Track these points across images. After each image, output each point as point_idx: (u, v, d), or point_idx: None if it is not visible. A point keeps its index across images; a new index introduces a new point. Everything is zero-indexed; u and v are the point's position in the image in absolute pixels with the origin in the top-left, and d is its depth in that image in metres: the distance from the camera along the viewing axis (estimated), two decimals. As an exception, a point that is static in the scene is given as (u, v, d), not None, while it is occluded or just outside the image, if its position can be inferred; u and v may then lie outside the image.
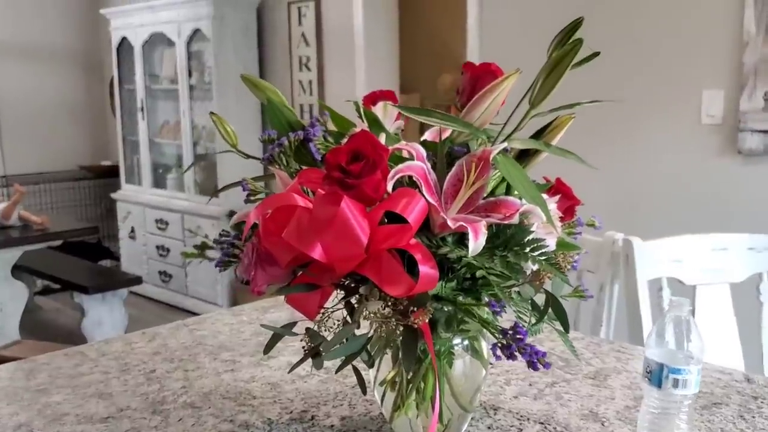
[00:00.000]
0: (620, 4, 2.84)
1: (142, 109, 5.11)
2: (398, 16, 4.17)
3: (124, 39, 5.14)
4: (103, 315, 3.61)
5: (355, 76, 4.02)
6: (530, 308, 0.82)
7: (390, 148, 0.76)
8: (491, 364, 1.14)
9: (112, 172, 5.76)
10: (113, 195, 5.47)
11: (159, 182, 5.16)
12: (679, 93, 2.77)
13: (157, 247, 5.05)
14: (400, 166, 0.75)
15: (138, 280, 3.74)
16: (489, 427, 0.91)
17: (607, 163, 2.91)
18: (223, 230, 0.86)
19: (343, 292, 0.82)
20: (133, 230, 5.27)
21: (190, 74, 4.72)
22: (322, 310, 0.81)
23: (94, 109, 6.06)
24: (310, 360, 0.84)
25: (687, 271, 1.54)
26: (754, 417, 1.04)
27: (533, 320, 0.81)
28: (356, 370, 0.84)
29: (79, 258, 4.29)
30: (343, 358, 0.80)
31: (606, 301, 1.57)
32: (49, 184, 5.75)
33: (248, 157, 0.97)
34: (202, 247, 4.46)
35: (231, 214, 4.50)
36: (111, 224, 5.70)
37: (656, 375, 0.88)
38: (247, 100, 4.54)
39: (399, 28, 4.20)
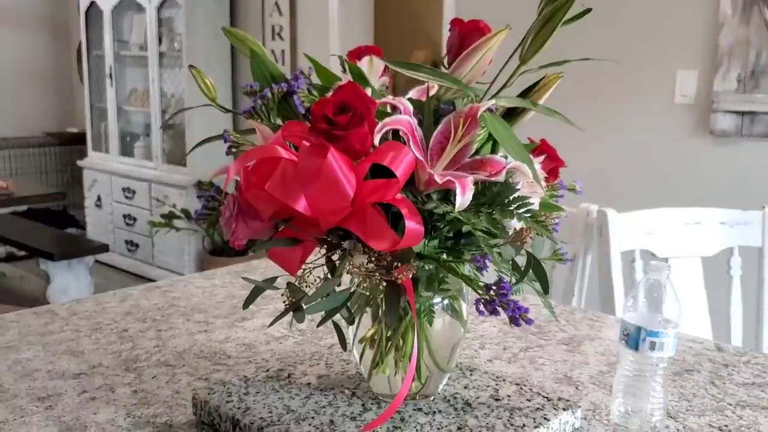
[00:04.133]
0: (597, -18, 2.84)
1: (110, 76, 5.01)
2: (373, -11, 4.13)
3: (92, 3, 5.04)
4: (69, 282, 3.55)
5: (328, 47, 3.98)
6: (511, 269, 0.82)
7: (377, 101, 0.75)
8: (467, 328, 1.14)
9: (79, 139, 5.66)
10: (79, 162, 5.37)
11: (126, 150, 5.08)
12: (654, 72, 2.78)
13: (124, 216, 4.98)
14: (388, 119, 0.74)
15: (105, 248, 3.69)
16: (465, 387, 0.91)
17: (580, 140, 2.93)
18: (204, 183, 0.85)
19: (325, 248, 0.81)
20: (99, 198, 5.19)
21: (160, 41, 4.64)
22: (304, 266, 0.80)
23: (61, 74, 5.94)
24: (285, 321, 0.83)
25: (660, 243, 1.56)
26: (724, 383, 1.05)
27: (514, 280, 0.81)
28: (337, 327, 0.83)
29: (44, 225, 4.22)
30: (324, 313, 0.79)
31: (578, 272, 1.58)
32: (13, 149, 5.63)
33: (227, 111, 0.95)
34: (170, 217, 4.41)
35: (198, 183, 4.45)
36: (77, 192, 5.60)
37: (633, 338, 0.88)
38: (217, 68, 4.47)
39: (373, 2, 4.16)
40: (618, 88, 2.87)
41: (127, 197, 4.94)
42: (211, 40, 4.42)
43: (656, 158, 2.81)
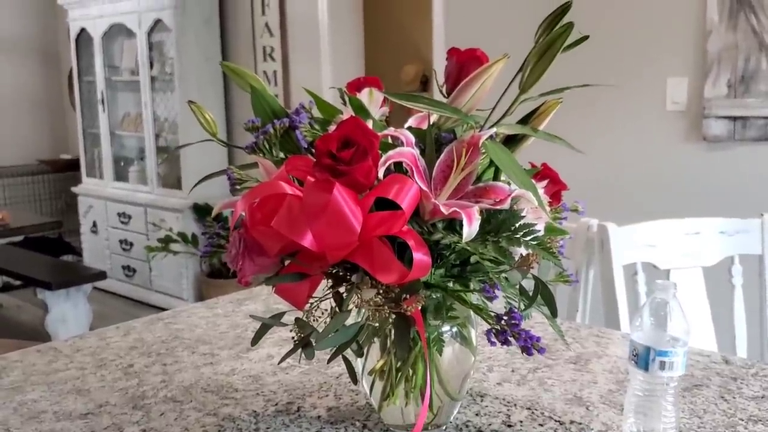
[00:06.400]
0: (585, -7, 2.86)
1: (102, 102, 5.01)
2: (362, 6, 4.14)
3: (83, 30, 5.04)
4: (67, 311, 3.53)
5: (320, 66, 3.99)
6: (518, 294, 0.82)
7: (380, 134, 0.75)
8: (475, 351, 1.14)
9: (73, 165, 5.65)
10: (74, 189, 5.36)
11: (121, 175, 5.07)
12: (645, 80, 2.80)
13: (120, 241, 4.97)
14: (391, 152, 0.74)
15: (102, 275, 3.67)
16: (477, 414, 0.91)
17: (574, 152, 2.94)
18: (207, 220, 0.85)
19: (331, 281, 0.81)
20: (95, 224, 5.18)
21: (151, 65, 4.64)
22: (311, 300, 0.80)
23: (52, 101, 5.93)
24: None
25: (661, 255, 1.56)
26: (734, 398, 1.05)
27: (522, 306, 0.81)
28: (346, 360, 0.83)
29: (40, 254, 4.20)
30: (334, 348, 0.79)
31: (581, 287, 1.58)
32: (6, 178, 5.62)
33: (227, 145, 0.96)
34: (166, 241, 4.40)
35: (195, 207, 4.44)
36: (72, 219, 5.59)
37: (643, 358, 0.88)
38: (209, 92, 4.48)
39: (363, 18, 4.18)
40: (609, 98, 2.88)
41: (122, 222, 4.93)
42: (203, 62, 4.43)
43: (651, 166, 2.82)
